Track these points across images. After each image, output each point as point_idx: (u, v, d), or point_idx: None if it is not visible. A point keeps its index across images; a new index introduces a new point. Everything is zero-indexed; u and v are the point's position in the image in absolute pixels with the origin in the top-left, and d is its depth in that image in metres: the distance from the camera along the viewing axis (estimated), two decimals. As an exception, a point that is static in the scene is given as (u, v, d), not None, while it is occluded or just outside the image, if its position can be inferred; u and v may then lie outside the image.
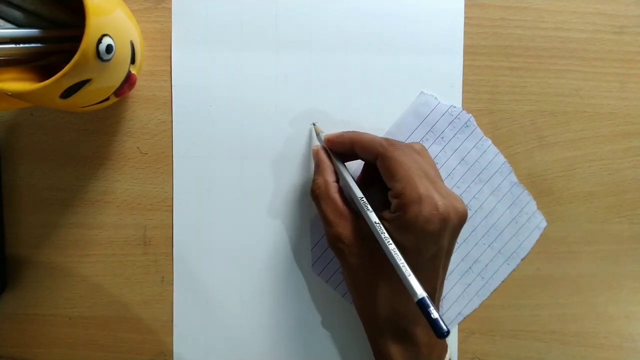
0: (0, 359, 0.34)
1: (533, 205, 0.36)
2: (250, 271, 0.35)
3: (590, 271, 0.36)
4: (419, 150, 0.31)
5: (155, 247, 0.34)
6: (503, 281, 0.36)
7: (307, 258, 0.35)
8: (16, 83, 0.27)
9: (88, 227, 0.34)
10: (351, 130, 0.32)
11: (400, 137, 0.35)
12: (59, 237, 0.34)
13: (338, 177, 0.31)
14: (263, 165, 0.34)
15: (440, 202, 0.27)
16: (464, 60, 0.35)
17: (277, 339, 0.35)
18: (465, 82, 0.35)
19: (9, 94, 0.25)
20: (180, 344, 0.35)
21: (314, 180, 0.32)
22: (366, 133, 0.31)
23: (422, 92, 0.35)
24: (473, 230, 0.35)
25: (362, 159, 0.32)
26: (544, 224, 0.36)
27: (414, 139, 0.35)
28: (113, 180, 0.34)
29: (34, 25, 0.28)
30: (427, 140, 0.35)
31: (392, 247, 0.27)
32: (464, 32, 0.35)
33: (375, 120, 0.35)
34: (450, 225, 0.28)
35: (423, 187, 0.28)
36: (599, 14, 0.35)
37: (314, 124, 0.34)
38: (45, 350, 0.35)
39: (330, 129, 0.34)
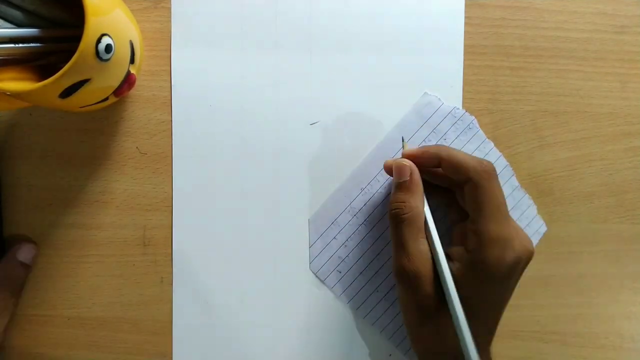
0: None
1: (534, 209, 0.36)
2: (250, 271, 0.35)
3: (591, 271, 0.36)
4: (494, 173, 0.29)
5: (155, 248, 0.34)
6: None
7: (306, 258, 0.35)
8: (15, 83, 0.27)
9: (87, 227, 0.34)
10: (436, 145, 0.31)
11: (403, 137, 0.35)
12: (58, 237, 0.34)
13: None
14: (263, 165, 0.34)
15: (518, 247, 0.27)
16: (464, 60, 0.35)
17: (277, 339, 0.35)
18: (465, 82, 0.35)
19: (8, 93, 0.25)
20: (180, 344, 0.34)
21: (402, 200, 0.29)
22: (457, 150, 0.29)
23: (425, 93, 0.35)
24: None
25: (443, 177, 0.30)
26: (543, 228, 0.36)
27: (416, 139, 0.35)
28: (112, 180, 0.34)
29: (34, 25, 0.28)
30: (429, 141, 0.35)
31: (457, 301, 0.26)
32: (464, 32, 0.35)
33: (375, 120, 0.35)
34: (521, 267, 0.27)
35: (507, 227, 0.26)
36: (599, 14, 0.35)
37: (402, 138, 0.32)
38: (44, 350, 0.34)
39: (331, 129, 0.34)
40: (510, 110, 0.35)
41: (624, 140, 0.36)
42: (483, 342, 0.29)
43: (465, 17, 0.35)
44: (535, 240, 0.36)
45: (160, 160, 0.34)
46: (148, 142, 0.34)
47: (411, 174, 0.29)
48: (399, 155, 0.33)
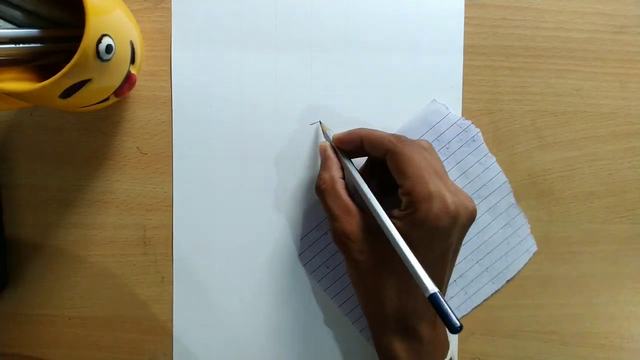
0: (1, 357, 0.34)
1: (527, 228, 0.36)
2: (250, 271, 0.35)
3: (591, 271, 0.36)
4: (426, 148, 0.31)
5: (155, 247, 0.34)
6: (485, 300, 0.36)
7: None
8: (16, 83, 0.27)
9: (88, 227, 0.34)
10: (358, 127, 0.32)
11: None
12: (58, 237, 0.34)
13: (344, 173, 0.32)
14: (263, 165, 0.34)
15: (450, 199, 0.28)
16: (464, 60, 0.35)
17: (277, 338, 0.35)
18: (465, 82, 0.35)
19: (9, 94, 0.25)
20: (180, 344, 0.34)
21: (319, 176, 0.32)
22: (375, 130, 0.31)
23: (434, 100, 0.35)
24: (464, 244, 0.35)
25: (371, 156, 0.32)
26: (534, 249, 0.36)
27: None
28: (113, 180, 0.34)
29: (34, 25, 0.28)
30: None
31: (402, 243, 0.27)
32: (464, 32, 0.35)
33: (375, 120, 0.35)
34: (460, 222, 0.28)
35: (433, 184, 0.28)
36: (599, 14, 0.35)
37: (320, 122, 0.34)
38: (45, 350, 0.35)
39: (330, 128, 0.34)
40: (510, 110, 0.35)
41: (623, 140, 0.36)
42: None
43: (465, 17, 0.35)
44: (525, 260, 0.36)
45: (161, 160, 0.34)
46: (148, 142, 0.34)
47: (325, 150, 0.32)
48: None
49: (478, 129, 0.35)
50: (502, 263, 0.35)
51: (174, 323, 0.34)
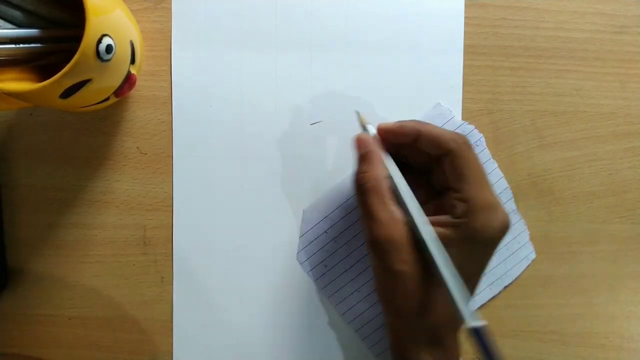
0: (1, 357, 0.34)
1: (526, 235, 0.36)
2: (250, 271, 0.35)
3: (591, 271, 0.36)
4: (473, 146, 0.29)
5: (155, 247, 0.34)
6: (482, 305, 0.36)
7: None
8: (16, 83, 0.27)
9: (88, 227, 0.34)
10: (411, 119, 0.30)
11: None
12: (58, 237, 0.34)
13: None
14: (263, 165, 0.34)
15: (503, 211, 0.26)
16: (464, 60, 0.35)
17: (277, 338, 0.35)
18: (465, 82, 0.35)
19: (9, 94, 0.25)
20: (180, 344, 0.34)
21: (362, 170, 0.28)
22: (433, 124, 0.29)
23: (438, 104, 0.35)
24: None
25: (420, 153, 0.29)
26: (533, 255, 0.36)
27: None
28: (113, 180, 0.34)
29: (34, 25, 0.28)
30: None
31: (448, 262, 0.25)
32: (464, 32, 0.35)
33: (375, 120, 0.35)
34: (504, 235, 0.27)
35: (491, 193, 0.27)
36: (599, 14, 0.35)
37: (358, 112, 0.31)
38: (45, 350, 0.35)
39: (330, 129, 0.34)
40: (510, 110, 0.35)
41: (623, 140, 0.36)
42: None
43: (465, 17, 0.35)
44: (523, 266, 0.36)
45: (161, 160, 0.34)
46: (148, 142, 0.34)
47: (367, 143, 0.29)
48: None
49: (481, 134, 0.35)
50: (501, 269, 0.35)
51: (174, 323, 0.34)
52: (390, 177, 0.28)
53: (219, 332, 0.35)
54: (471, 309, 0.24)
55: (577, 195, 0.36)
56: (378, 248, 0.27)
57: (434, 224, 0.27)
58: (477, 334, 0.23)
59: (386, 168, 0.28)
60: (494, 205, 0.26)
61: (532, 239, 0.36)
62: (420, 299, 0.27)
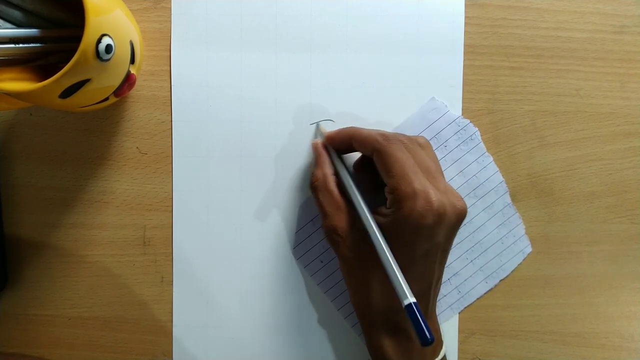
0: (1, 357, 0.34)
1: (522, 229, 0.36)
2: (250, 271, 0.35)
3: (591, 271, 0.36)
4: (422, 144, 0.31)
5: (155, 247, 0.34)
6: (478, 298, 0.36)
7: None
8: (15, 83, 0.27)
9: (87, 227, 0.34)
10: (349, 126, 0.32)
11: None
12: (58, 237, 0.34)
13: (336, 170, 0.32)
14: (263, 165, 0.34)
15: (435, 197, 0.27)
16: (464, 60, 0.35)
17: (277, 338, 0.35)
18: (465, 82, 0.35)
19: (9, 94, 0.25)
20: (180, 344, 0.34)
21: (312, 173, 0.32)
22: (363, 128, 0.31)
23: (433, 98, 0.35)
24: (458, 243, 0.35)
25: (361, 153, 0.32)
26: (529, 249, 0.36)
27: None
28: (112, 180, 0.34)
29: (33, 25, 0.28)
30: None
31: (383, 245, 0.27)
32: (464, 32, 0.35)
33: (375, 120, 0.35)
34: (447, 221, 0.28)
35: (418, 182, 0.28)
36: (599, 14, 0.35)
37: (317, 123, 0.34)
38: (45, 350, 0.35)
39: (330, 128, 0.34)
40: (510, 110, 0.35)
41: (623, 140, 0.36)
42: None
43: (465, 17, 0.35)
44: (519, 260, 0.36)
45: (160, 160, 0.34)
46: (148, 142, 0.34)
47: (317, 148, 0.33)
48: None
49: (476, 128, 0.35)
50: (496, 262, 0.35)
51: (174, 323, 0.34)
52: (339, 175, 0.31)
53: (219, 332, 0.35)
54: (405, 287, 0.25)
55: (577, 195, 0.36)
56: (328, 237, 0.31)
57: (375, 213, 0.29)
58: (409, 311, 0.25)
59: (333, 167, 0.32)
60: (418, 192, 0.27)
61: (532, 239, 0.36)
62: (368, 283, 0.30)
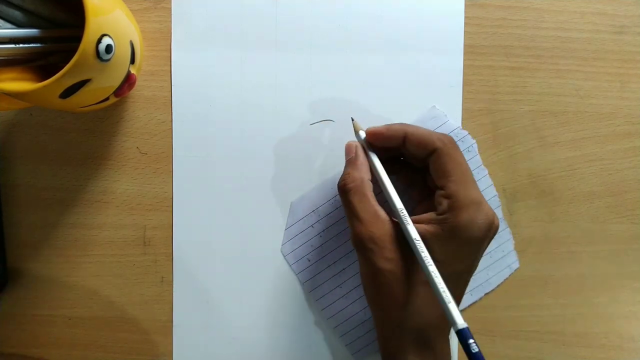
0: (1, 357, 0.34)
1: (511, 244, 0.36)
2: (250, 271, 0.35)
3: (591, 271, 0.36)
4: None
5: (155, 248, 0.34)
6: (461, 311, 0.35)
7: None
8: (16, 83, 0.27)
9: (87, 227, 0.34)
10: (397, 123, 0.30)
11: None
12: (58, 237, 0.34)
13: (375, 177, 0.30)
14: (263, 165, 0.34)
15: (490, 210, 0.27)
16: (464, 60, 0.35)
17: (277, 339, 0.35)
18: (465, 82, 0.35)
19: (9, 94, 0.25)
20: (180, 344, 0.34)
21: (347, 173, 0.30)
22: (419, 126, 0.30)
23: (433, 106, 0.35)
24: None
25: (410, 154, 0.30)
26: (516, 265, 0.36)
27: None
28: (112, 180, 0.34)
29: (33, 25, 0.28)
30: None
31: (432, 268, 0.25)
32: (464, 32, 0.35)
33: (374, 120, 0.35)
34: (491, 234, 0.27)
35: (476, 191, 0.27)
36: (599, 14, 0.35)
37: (352, 119, 0.32)
38: (45, 350, 0.35)
39: (330, 129, 0.34)
40: (510, 110, 0.35)
41: (623, 140, 0.36)
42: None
43: (465, 17, 0.35)
44: (505, 275, 0.36)
45: (160, 160, 0.34)
46: (148, 142, 0.34)
47: (355, 149, 0.30)
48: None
49: (474, 140, 0.35)
50: (483, 276, 0.35)
51: (174, 323, 0.34)
52: (376, 180, 0.29)
53: (219, 332, 0.35)
54: (456, 309, 0.24)
55: (577, 195, 0.36)
56: (362, 246, 0.28)
57: (419, 221, 0.28)
58: (462, 336, 0.23)
59: (371, 172, 0.30)
60: (477, 202, 0.26)
61: (532, 239, 0.36)
62: (404, 298, 0.27)
